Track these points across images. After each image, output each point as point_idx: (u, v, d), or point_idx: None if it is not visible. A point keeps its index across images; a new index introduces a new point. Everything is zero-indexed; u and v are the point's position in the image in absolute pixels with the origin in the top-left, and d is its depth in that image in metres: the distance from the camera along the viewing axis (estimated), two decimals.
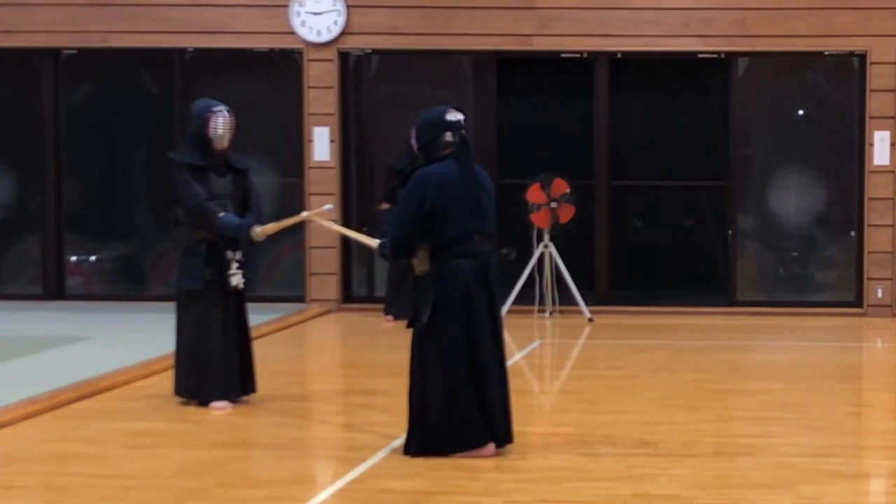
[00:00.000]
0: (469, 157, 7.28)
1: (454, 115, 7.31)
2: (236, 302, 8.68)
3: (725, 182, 14.15)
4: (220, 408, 8.52)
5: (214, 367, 8.55)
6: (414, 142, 13.22)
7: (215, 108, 8.56)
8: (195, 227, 8.51)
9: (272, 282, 14.21)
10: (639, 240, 14.42)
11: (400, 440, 7.51)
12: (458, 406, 7.13)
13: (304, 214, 8.98)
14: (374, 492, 6.56)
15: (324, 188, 14.02)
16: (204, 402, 8.56)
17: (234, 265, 8.57)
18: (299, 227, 13.99)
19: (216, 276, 8.52)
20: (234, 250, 8.57)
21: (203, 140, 8.55)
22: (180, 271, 8.64)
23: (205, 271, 8.49)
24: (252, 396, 8.80)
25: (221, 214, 8.44)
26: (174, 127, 14.36)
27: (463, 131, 7.29)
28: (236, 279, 8.57)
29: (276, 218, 8.85)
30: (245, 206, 8.67)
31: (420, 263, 7.23)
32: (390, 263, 7.34)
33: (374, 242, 7.75)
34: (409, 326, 7.32)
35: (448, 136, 7.25)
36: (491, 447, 7.22)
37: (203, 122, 8.53)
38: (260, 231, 8.50)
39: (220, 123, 8.53)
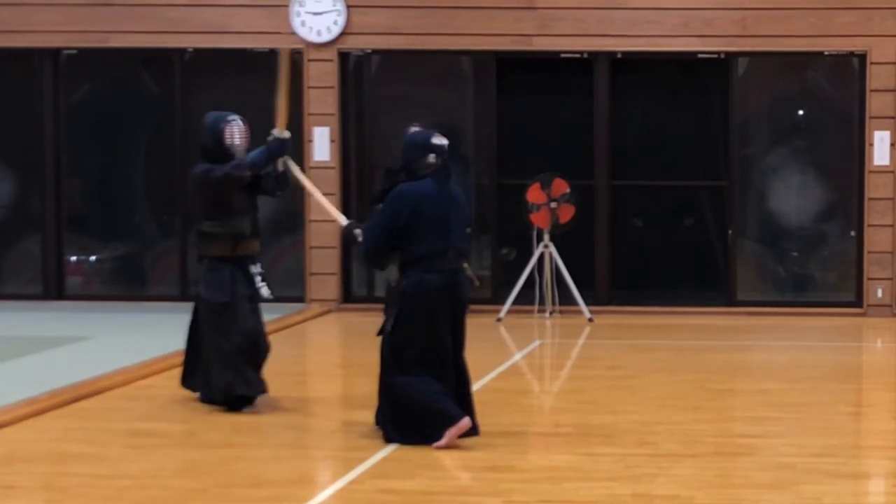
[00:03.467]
0: (447, 178, 7.66)
1: (440, 140, 7.68)
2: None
3: (725, 182, 14.15)
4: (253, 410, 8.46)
5: (251, 370, 8.47)
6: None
7: (229, 118, 8.51)
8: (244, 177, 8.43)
9: (272, 282, 14.16)
10: (639, 240, 14.41)
11: (400, 440, 7.52)
12: (423, 400, 7.45)
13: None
14: (374, 492, 6.56)
15: (324, 188, 13.84)
16: (249, 401, 8.49)
17: (258, 278, 8.56)
18: (299, 227, 14.03)
19: (245, 289, 8.49)
20: (255, 264, 8.57)
21: (219, 152, 8.47)
22: (206, 285, 8.51)
23: (234, 284, 8.42)
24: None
25: (248, 157, 8.39)
26: (174, 127, 14.37)
27: (445, 155, 7.65)
28: (265, 291, 8.59)
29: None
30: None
31: (392, 274, 7.73)
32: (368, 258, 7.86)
33: (342, 220, 8.27)
34: (378, 334, 7.72)
35: (431, 158, 7.61)
36: (465, 420, 7.45)
37: (218, 132, 8.46)
38: (280, 129, 8.49)
39: (236, 133, 8.49)
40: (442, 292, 7.51)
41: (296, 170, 8.90)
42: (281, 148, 8.54)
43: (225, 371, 8.42)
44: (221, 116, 8.56)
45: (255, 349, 8.52)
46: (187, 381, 8.83)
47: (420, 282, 7.46)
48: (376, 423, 7.74)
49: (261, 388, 8.55)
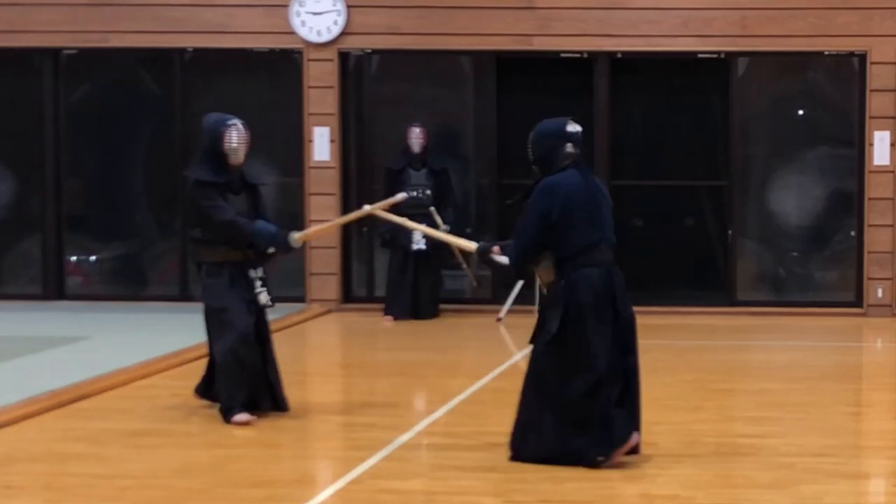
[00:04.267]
0: (588, 167, 7.26)
1: (574, 127, 7.27)
2: (261, 321, 8.42)
3: (725, 182, 14.15)
4: (241, 421, 8.12)
5: (245, 378, 8.24)
6: (415, 141, 13.33)
7: (229, 122, 8.22)
8: (222, 244, 8.21)
9: (272, 282, 14.18)
10: (639, 240, 14.40)
11: (400, 440, 7.51)
12: (597, 409, 6.98)
13: (367, 208, 8.75)
14: (374, 492, 6.56)
15: (324, 188, 14.02)
16: (233, 414, 8.19)
17: (259, 283, 8.31)
18: (299, 227, 14.00)
19: (245, 294, 8.25)
20: (256, 268, 8.31)
21: (217, 155, 8.21)
22: (205, 291, 8.30)
23: (233, 288, 8.21)
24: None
25: (253, 224, 8.19)
26: (174, 127, 14.37)
27: (581, 144, 7.25)
28: (264, 297, 8.32)
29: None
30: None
31: (545, 274, 7.15)
32: (517, 273, 7.25)
33: (472, 245, 7.76)
34: (532, 342, 7.19)
35: (569, 148, 7.20)
36: (635, 436, 7.10)
37: (217, 136, 8.20)
38: (300, 237, 8.34)
39: (235, 137, 8.19)
40: (606, 286, 7.03)
41: (394, 218, 8.86)
42: (285, 249, 8.38)
43: (220, 379, 8.29)
44: (222, 120, 8.28)
45: (251, 358, 8.27)
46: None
47: (581, 277, 6.98)
48: (512, 447, 7.18)
49: (250, 403, 8.24)
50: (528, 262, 7.20)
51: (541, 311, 7.26)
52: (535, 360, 7.16)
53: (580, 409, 6.98)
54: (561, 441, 7.01)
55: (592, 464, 6.94)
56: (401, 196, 9.08)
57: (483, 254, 7.61)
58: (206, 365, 8.60)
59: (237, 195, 8.33)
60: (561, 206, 7.01)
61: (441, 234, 8.79)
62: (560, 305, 7.00)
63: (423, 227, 9.08)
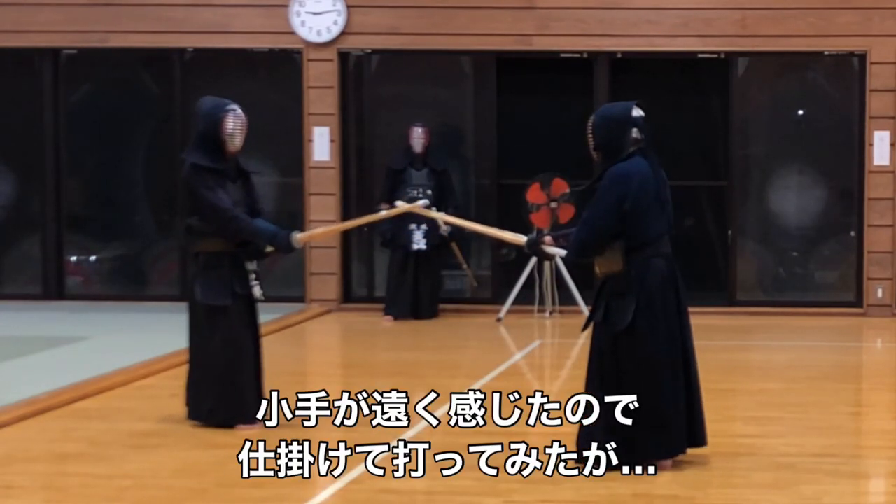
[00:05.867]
0: (655, 154, 7.02)
1: (639, 112, 7.08)
2: (254, 321, 8.19)
3: (725, 182, 14.15)
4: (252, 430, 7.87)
5: (249, 387, 8.02)
6: (417, 141, 13.32)
7: (228, 107, 7.96)
8: (219, 235, 7.96)
9: (272, 282, 14.19)
10: None
11: (400, 440, 7.50)
12: (667, 409, 6.84)
13: (384, 213, 8.66)
14: (374, 492, 6.56)
15: (324, 188, 14.02)
16: (234, 424, 7.94)
17: (253, 276, 8.09)
18: (299, 227, 14.00)
19: (243, 289, 8.03)
20: (251, 261, 8.09)
21: (215, 141, 7.94)
22: (203, 286, 7.99)
23: (233, 284, 7.98)
24: None
25: (254, 222, 7.98)
26: (174, 127, 14.37)
27: (646, 129, 7.02)
28: (258, 291, 8.10)
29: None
30: (252, 211, 8.14)
31: (607, 263, 6.93)
32: (572, 262, 6.97)
33: (519, 239, 7.57)
34: (585, 329, 7.04)
35: (635, 133, 7.01)
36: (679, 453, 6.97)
37: (216, 121, 7.93)
38: (303, 237, 8.17)
39: (231, 123, 7.93)
40: (672, 277, 6.95)
41: (434, 214, 8.76)
42: (286, 249, 8.12)
43: (215, 389, 8.00)
44: (220, 104, 8.01)
45: (252, 362, 8.10)
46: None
47: (651, 267, 6.84)
48: (581, 447, 6.72)
49: (254, 413, 7.82)
50: (594, 252, 6.94)
51: (599, 301, 6.99)
52: (600, 352, 6.94)
53: (648, 407, 6.74)
54: (633, 440, 6.74)
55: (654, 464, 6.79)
56: (422, 202, 8.91)
57: (534, 246, 7.45)
58: (189, 372, 8.19)
59: (234, 183, 8.08)
60: (634, 195, 6.80)
61: (486, 228, 8.42)
62: (632, 295, 6.83)
63: (464, 222, 8.78)
